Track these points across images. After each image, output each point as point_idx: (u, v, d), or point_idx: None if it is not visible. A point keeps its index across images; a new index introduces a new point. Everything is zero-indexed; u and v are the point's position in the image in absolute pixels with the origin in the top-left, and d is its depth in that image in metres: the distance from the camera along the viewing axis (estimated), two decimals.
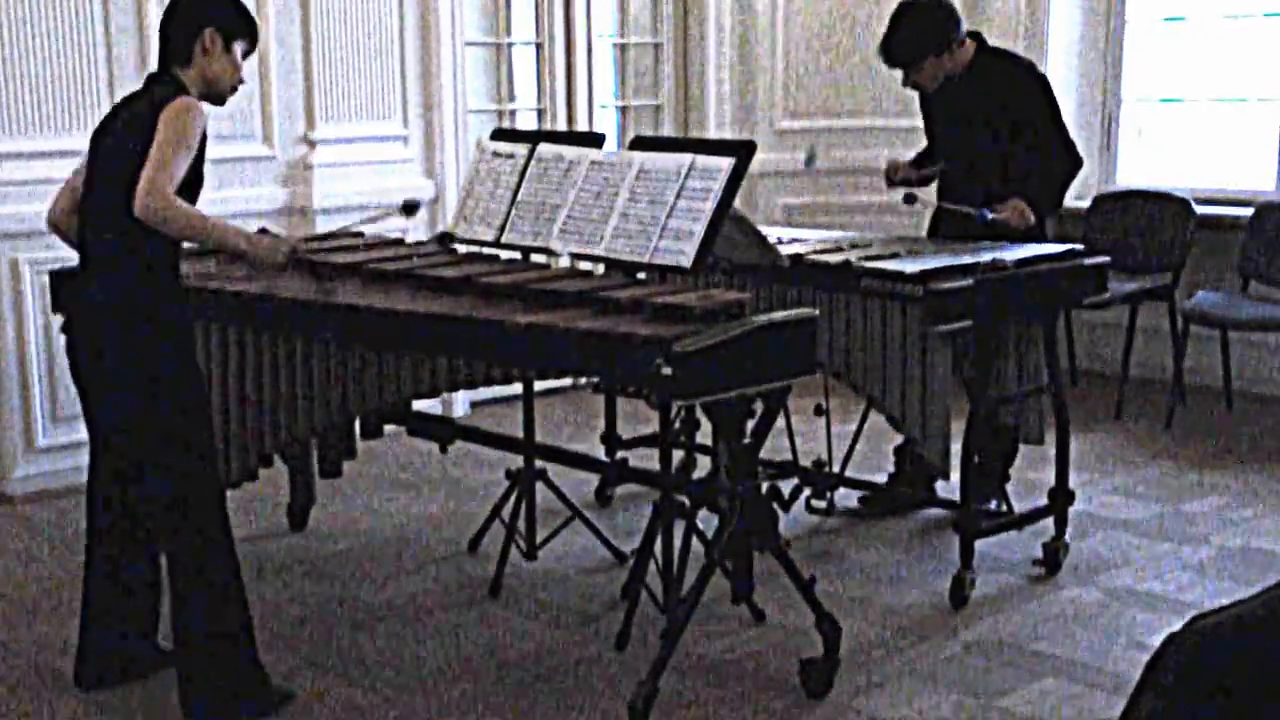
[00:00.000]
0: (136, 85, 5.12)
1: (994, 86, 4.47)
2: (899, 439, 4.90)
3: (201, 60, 3.34)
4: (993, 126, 4.47)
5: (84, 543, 3.60)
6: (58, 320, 4.87)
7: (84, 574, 3.59)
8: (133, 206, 3.14)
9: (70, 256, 4.80)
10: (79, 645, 3.59)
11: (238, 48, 3.39)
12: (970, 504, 4.15)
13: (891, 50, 4.44)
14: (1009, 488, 4.57)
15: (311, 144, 5.67)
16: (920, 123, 4.80)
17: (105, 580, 3.55)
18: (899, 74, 4.54)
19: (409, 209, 3.92)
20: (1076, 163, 4.51)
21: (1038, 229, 4.47)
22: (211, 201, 5.03)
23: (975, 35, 4.55)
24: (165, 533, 3.39)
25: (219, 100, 3.42)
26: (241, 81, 3.45)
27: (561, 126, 6.52)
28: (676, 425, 4.74)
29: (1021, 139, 4.46)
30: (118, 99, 5.15)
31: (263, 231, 3.97)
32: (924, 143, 4.84)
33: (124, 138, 3.28)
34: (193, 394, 3.37)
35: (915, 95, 4.71)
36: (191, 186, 3.28)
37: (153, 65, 5.07)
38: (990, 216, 4.33)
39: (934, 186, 4.76)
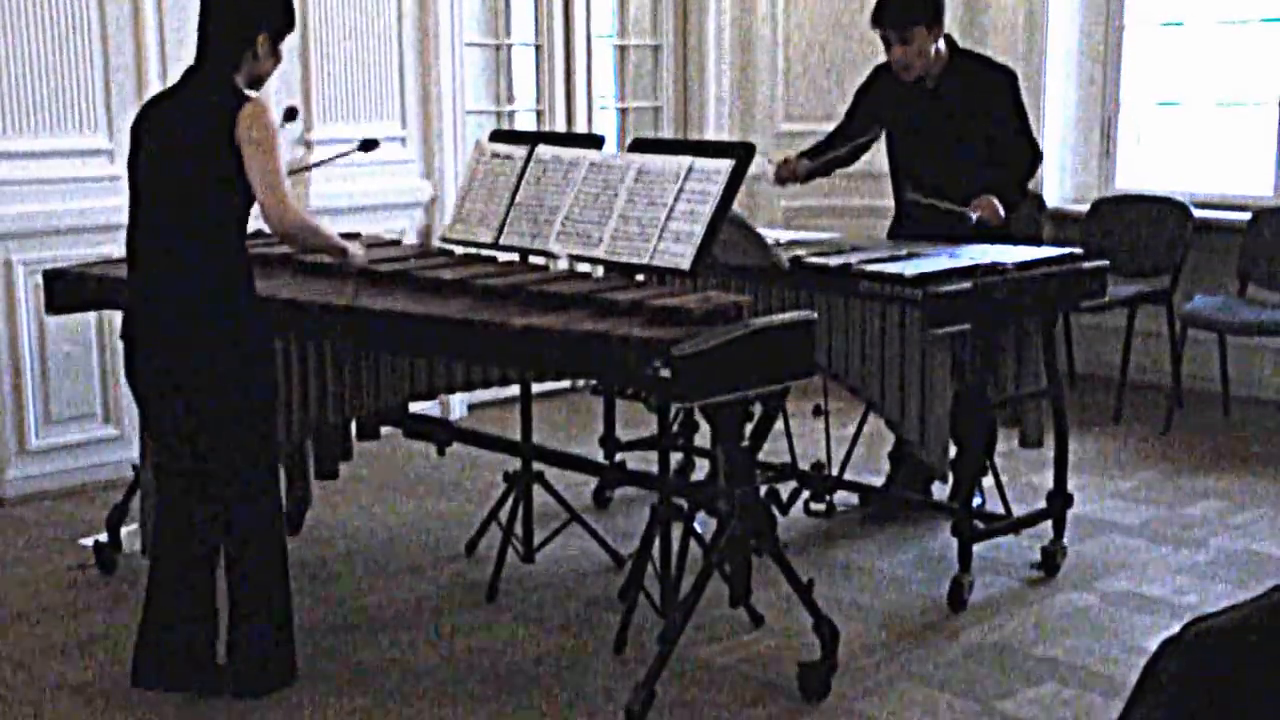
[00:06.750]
0: (131, 84, 5.20)
1: (971, 87, 4.51)
2: (892, 444, 4.89)
3: (251, 63, 3.39)
4: (970, 129, 4.50)
5: (148, 549, 3.61)
6: (52, 320, 4.89)
7: (148, 579, 3.57)
8: (214, 214, 3.30)
9: (64, 257, 4.85)
10: (137, 644, 3.55)
11: (282, 45, 3.45)
12: (969, 507, 4.15)
13: (887, 10, 4.44)
14: (1008, 490, 4.57)
15: (309, 145, 5.65)
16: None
17: (169, 586, 3.52)
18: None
19: (367, 146, 4.10)
20: (1037, 155, 4.60)
21: (1006, 224, 4.50)
22: None
23: (948, 39, 4.57)
24: (228, 535, 3.47)
25: (258, 87, 3.46)
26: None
27: (560, 128, 6.51)
28: (675, 428, 4.74)
29: (992, 136, 4.50)
30: (111, 99, 5.21)
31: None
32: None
33: (192, 145, 3.31)
34: (266, 405, 3.46)
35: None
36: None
37: (148, 63, 5.21)
38: (975, 216, 4.37)
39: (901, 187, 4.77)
